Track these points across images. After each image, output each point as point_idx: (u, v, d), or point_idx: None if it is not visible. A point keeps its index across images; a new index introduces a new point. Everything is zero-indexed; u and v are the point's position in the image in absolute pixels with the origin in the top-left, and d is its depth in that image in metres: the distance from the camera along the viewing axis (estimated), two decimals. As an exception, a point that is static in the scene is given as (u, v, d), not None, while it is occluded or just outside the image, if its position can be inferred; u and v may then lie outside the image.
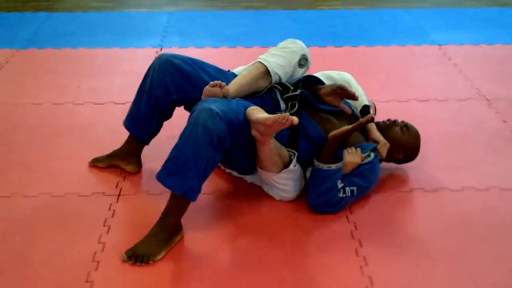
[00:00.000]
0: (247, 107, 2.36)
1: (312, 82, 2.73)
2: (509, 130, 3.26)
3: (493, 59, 4.23)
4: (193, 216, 2.51)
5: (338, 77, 2.85)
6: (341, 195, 2.50)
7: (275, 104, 2.61)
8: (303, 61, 2.69)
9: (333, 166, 2.46)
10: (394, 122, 2.78)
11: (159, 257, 2.26)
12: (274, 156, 2.41)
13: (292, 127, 2.52)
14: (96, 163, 2.85)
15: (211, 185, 2.73)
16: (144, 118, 2.68)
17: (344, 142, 2.61)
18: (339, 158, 2.52)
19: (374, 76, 3.96)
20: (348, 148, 2.57)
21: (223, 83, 2.42)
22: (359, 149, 2.58)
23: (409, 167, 2.89)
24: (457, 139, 3.18)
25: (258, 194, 2.66)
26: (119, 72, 3.97)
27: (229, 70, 2.90)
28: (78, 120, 3.32)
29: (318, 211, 2.53)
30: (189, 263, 2.27)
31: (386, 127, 2.76)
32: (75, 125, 3.26)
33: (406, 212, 2.63)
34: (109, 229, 2.44)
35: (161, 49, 4.33)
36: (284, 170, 2.48)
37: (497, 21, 5.01)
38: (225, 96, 2.42)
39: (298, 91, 2.62)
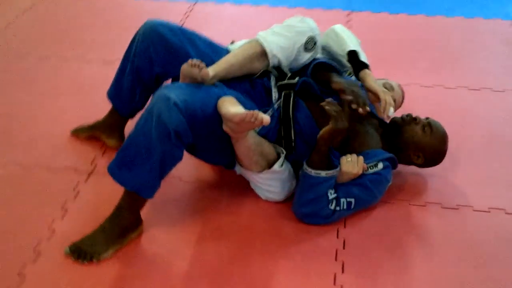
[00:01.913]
0: (220, 97, 2.00)
1: (325, 69, 2.29)
2: None
3: None
4: (162, 208, 2.24)
5: (325, 38, 2.46)
6: (332, 207, 2.11)
7: (266, 92, 2.22)
8: (310, 44, 2.26)
9: (322, 174, 2.08)
10: (414, 120, 2.32)
11: (106, 255, 1.99)
12: (254, 155, 2.05)
13: (283, 121, 2.14)
14: (78, 133, 2.59)
15: (195, 172, 2.42)
16: (127, 90, 2.38)
17: (349, 145, 2.20)
18: (335, 165, 2.12)
19: (424, 53, 3.43)
20: (348, 156, 2.16)
21: (202, 64, 2.06)
22: (361, 158, 2.16)
23: (432, 174, 2.44)
24: (503, 145, 2.67)
25: (244, 189, 2.31)
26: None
27: (233, 41, 2.52)
28: (81, 80, 3.05)
29: (304, 221, 2.16)
30: (139, 266, 1.99)
31: (404, 124, 2.31)
32: (75, 85, 3.00)
33: (413, 231, 2.20)
34: (65, 213, 2.19)
35: (194, 4, 3.96)
36: (266, 171, 2.11)
37: None
38: (203, 80, 2.06)
39: (296, 79, 2.21)
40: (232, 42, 2.55)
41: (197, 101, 1.94)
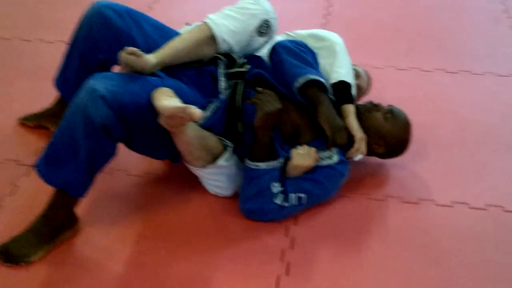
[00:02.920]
0: (156, 87, 1.85)
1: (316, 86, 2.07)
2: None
3: None
4: (103, 204, 2.12)
5: (321, 44, 2.24)
6: (279, 201, 1.98)
7: (214, 81, 2.07)
8: (263, 28, 2.10)
9: (262, 165, 1.95)
10: (375, 106, 2.17)
11: (35, 258, 1.87)
12: (195, 149, 1.92)
13: (230, 113, 2.00)
14: (25, 121, 2.47)
15: (143, 164, 2.29)
16: (73, 77, 2.24)
17: (299, 135, 2.07)
18: (279, 154, 1.98)
19: (404, 33, 3.28)
20: (299, 147, 2.02)
21: (140, 52, 1.91)
22: (313, 149, 2.02)
23: (394, 166, 2.30)
24: (475, 133, 2.51)
25: (194, 182, 2.16)
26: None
27: (188, 24, 2.37)
28: (39, 63, 2.92)
29: (251, 218, 2.04)
30: (69, 270, 1.87)
31: (365, 111, 2.16)
32: (32, 69, 2.87)
33: (369, 228, 2.06)
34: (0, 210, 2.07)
35: None
36: (210, 166, 1.98)
37: None
38: (143, 69, 1.92)
39: (247, 67, 2.07)
40: (187, 24, 2.40)
41: (129, 92, 1.80)
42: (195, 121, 1.82)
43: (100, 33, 2.10)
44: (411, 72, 2.93)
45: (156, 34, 2.13)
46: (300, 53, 2.07)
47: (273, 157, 1.97)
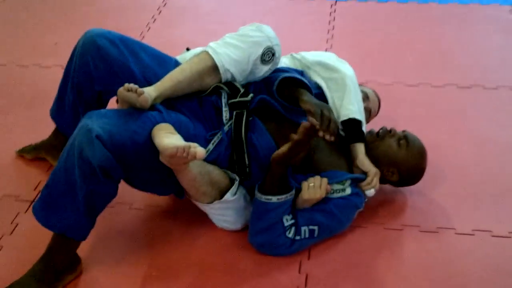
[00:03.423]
0: (156, 123, 1.75)
1: (293, 84, 2.01)
2: None
3: None
4: (107, 241, 2.03)
5: (330, 75, 2.13)
6: (290, 235, 1.88)
7: (216, 111, 1.96)
8: (267, 56, 1.99)
9: (273, 199, 1.85)
10: (389, 132, 2.07)
11: (36, 304, 1.77)
12: (201, 185, 1.82)
13: (235, 145, 1.90)
14: (23, 154, 2.38)
15: (146, 197, 2.18)
16: (69, 109, 2.14)
17: (311, 165, 1.97)
18: (290, 186, 1.89)
19: (413, 46, 3.17)
20: (311, 180, 1.91)
21: (140, 90, 1.80)
22: (325, 180, 1.91)
23: (410, 192, 2.20)
24: (494, 152, 2.41)
25: (200, 216, 2.05)
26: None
27: (188, 49, 2.28)
28: (36, 89, 2.83)
29: (261, 251, 1.94)
30: (73, 315, 1.78)
31: (377, 139, 2.06)
32: (29, 96, 2.77)
33: (387, 260, 1.96)
34: (-2, 251, 1.98)
35: (336, 3, 3.58)
36: (217, 201, 1.88)
37: None
38: (143, 106, 1.81)
39: (249, 96, 1.96)
40: (188, 49, 2.31)
41: (126, 130, 1.71)
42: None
43: (95, 63, 1.99)
44: (421, 88, 2.82)
45: (153, 63, 2.02)
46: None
47: (286, 190, 1.87)
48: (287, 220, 1.88)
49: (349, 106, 2.03)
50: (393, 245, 2.01)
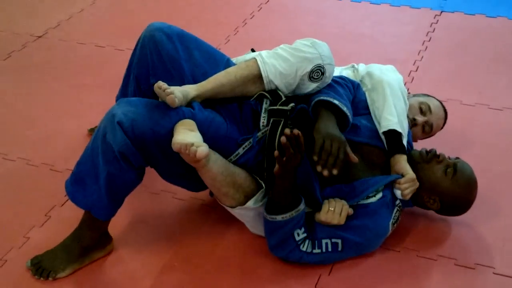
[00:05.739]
0: (183, 118, 1.80)
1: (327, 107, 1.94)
2: None
3: None
4: (142, 225, 2.12)
5: (373, 85, 2.08)
6: (305, 248, 1.86)
7: (254, 116, 1.95)
8: (316, 74, 1.93)
9: (278, 218, 1.83)
10: (437, 157, 1.97)
11: (63, 274, 1.91)
12: (222, 186, 1.84)
13: (267, 152, 1.89)
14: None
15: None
16: (131, 96, 2.24)
17: (349, 173, 1.92)
18: (301, 198, 1.86)
19: (509, 67, 2.94)
20: (332, 202, 1.86)
21: (168, 90, 1.82)
22: (346, 208, 1.86)
23: (454, 221, 2.08)
24: None
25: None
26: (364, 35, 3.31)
27: (253, 50, 2.30)
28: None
29: (283, 260, 1.94)
30: (93, 291, 1.89)
31: (423, 160, 1.97)
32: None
33: (411, 290, 1.88)
34: (46, 221, 2.14)
35: (440, 13, 3.51)
36: (239, 207, 1.89)
37: None
38: (170, 105, 1.83)
39: (290, 106, 1.94)
40: (253, 50, 2.34)
41: (149, 120, 1.76)
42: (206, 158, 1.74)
43: (152, 57, 2.05)
44: (506, 114, 2.63)
45: (205, 62, 2.05)
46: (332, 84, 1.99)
47: (294, 205, 1.84)
48: (299, 235, 1.85)
49: (389, 117, 1.97)
50: (421, 275, 1.91)
